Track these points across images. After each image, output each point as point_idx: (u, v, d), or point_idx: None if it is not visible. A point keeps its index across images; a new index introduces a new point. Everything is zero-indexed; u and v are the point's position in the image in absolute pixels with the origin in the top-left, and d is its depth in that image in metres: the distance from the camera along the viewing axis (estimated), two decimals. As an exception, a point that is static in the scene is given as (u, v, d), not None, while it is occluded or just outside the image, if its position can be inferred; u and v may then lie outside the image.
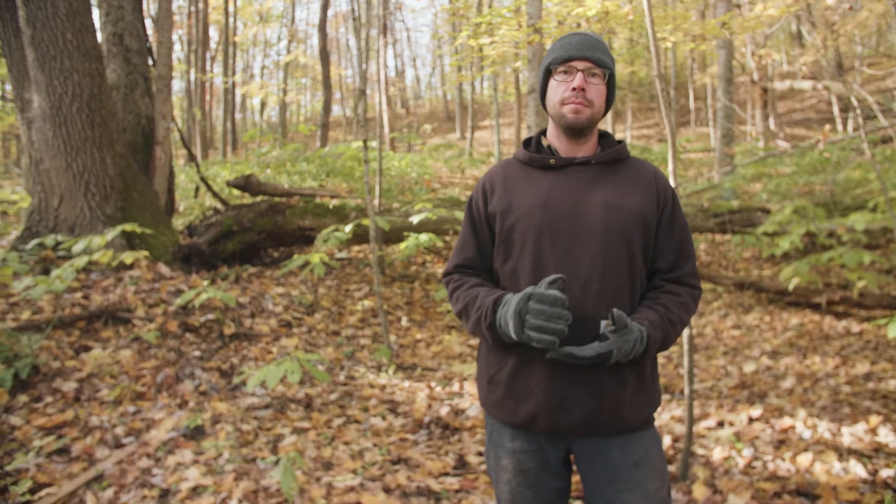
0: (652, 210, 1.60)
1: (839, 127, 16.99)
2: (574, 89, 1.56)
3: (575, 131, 1.60)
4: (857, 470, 2.97)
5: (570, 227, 1.55)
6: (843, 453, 3.17)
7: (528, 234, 1.57)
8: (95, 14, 6.14)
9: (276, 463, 3.19)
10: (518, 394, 1.57)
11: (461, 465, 3.31)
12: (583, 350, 1.42)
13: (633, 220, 1.56)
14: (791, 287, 5.30)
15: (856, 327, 5.46)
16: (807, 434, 3.42)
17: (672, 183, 2.75)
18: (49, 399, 3.65)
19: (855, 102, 4.36)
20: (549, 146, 1.69)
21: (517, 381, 1.58)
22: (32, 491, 2.87)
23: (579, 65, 1.57)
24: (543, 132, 1.74)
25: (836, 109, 17.31)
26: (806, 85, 16.18)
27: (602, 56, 1.59)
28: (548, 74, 1.64)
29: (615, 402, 1.53)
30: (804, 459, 3.10)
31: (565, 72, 1.59)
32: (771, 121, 17.65)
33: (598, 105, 1.59)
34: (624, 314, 1.42)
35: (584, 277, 1.53)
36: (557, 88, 1.60)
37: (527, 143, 1.73)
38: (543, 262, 1.55)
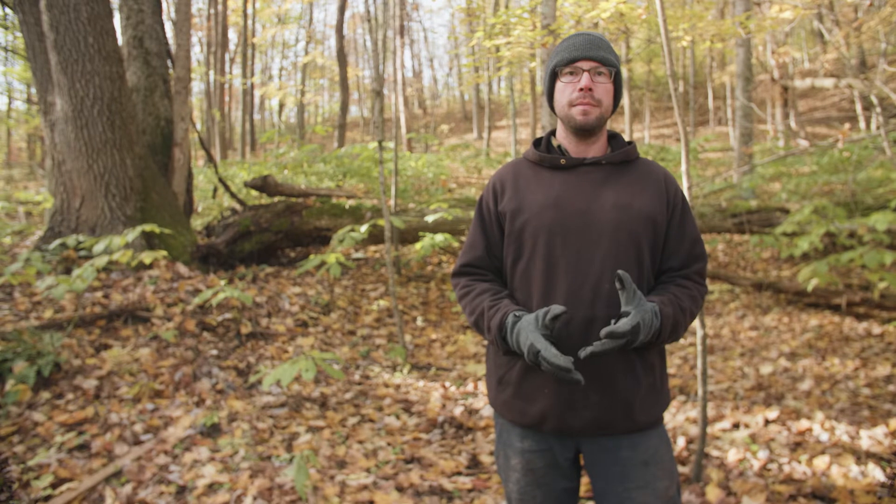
0: (661, 212, 1.60)
1: (862, 125, 16.71)
2: (581, 90, 1.56)
3: (585, 131, 1.61)
4: (876, 473, 2.93)
5: (580, 228, 1.55)
6: (862, 456, 3.13)
7: (539, 234, 1.57)
8: (116, 18, 6.24)
9: (291, 461, 3.22)
10: (528, 394, 1.58)
11: (474, 464, 3.32)
12: (619, 327, 1.39)
13: (643, 221, 1.57)
14: (810, 288, 5.22)
15: (877, 329, 5.37)
16: (824, 437, 3.38)
17: (685, 183, 2.74)
18: (70, 396, 3.72)
19: (875, 100, 4.29)
20: (559, 146, 1.69)
21: (526, 381, 1.58)
22: (54, 485, 2.94)
23: (585, 65, 1.57)
24: (553, 132, 1.74)
25: (858, 107, 17.03)
26: (827, 83, 15.94)
27: (607, 54, 1.59)
28: (554, 76, 1.64)
29: (625, 403, 1.54)
30: (821, 462, 3.06)
31: (571, 73, 1.59)
32: (791, 119, 17.41)
33: (605, 104, 1.59)
34: (628, 277, 1.42)
35: (595, 278, 1.53)
36: (564, 90, 1.60)
37: (537, 142, 1.73)
38: (555, 263, 1.55)
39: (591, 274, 1.53)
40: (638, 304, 1.43)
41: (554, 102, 1.65)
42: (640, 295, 1.45)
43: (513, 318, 1.51)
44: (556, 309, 1.43)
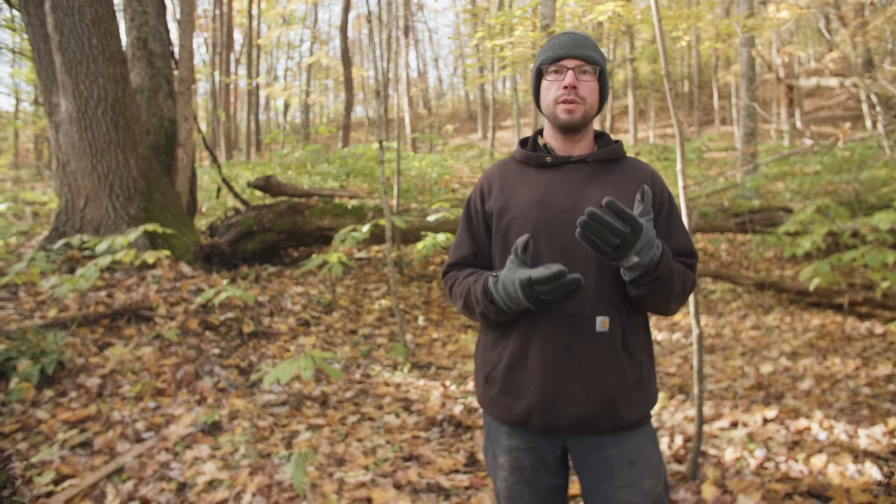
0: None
1: (868, 124, 16.63)
2: (566, 87, 1.57)
3: (570, 130, 1.62)
4: (873, 472, 2.94)
5: (565, 225, 1.56)
6: (859, 455, 3.13)
7: (524, 231, 1.59)
8: (120, 19, 6.29)
9: (290, 458, 3.25)
10: (514, 391, 1.59)
11: (472, 462, 3.34)
12: (625, 208, 1.38)
13: None
14: (812, 287, 5.22)
15: (879, 328, 5.36)
16: (822, 436, 3.38)
17: (680, 182, 2.75)
18: (73, 394, 3.76)
19: (875, 99, 4.29)
20: (545, 145, 1.71)
21: (513, 378, 1.59)
22: (56, 482, 2.97)
23: (569, 63, 1.59)
24: (540, 131, 1.76)
25: (865, 107, 16.96)
26: (833, 82, 15.86)
27: (591, 53, 1.60)
28: (539, 75, 1.66)
29: (611, 401, 1.54)
30: (818, 461, 3.07)
31: (556, 71, 1.61)
32: (797, 118, 17.35)
33: (590, 102, 1.60)
34: (615, 203, 1.38)
35: (580, 275, 1.53)
36: (549, 88, 1.62)
37: (524, 142, 1.75)
38: (540, 260, 1.56)
39: (576, 271, 1.53)
40: (649, 219, 1.46)
41: (540, 101, 1.67)
42: (645, 223, 1.44)
43: (493, 279, 1.54)
44: (522, 239, 1.48)
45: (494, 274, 1.55)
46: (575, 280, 1.40)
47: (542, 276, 1.40)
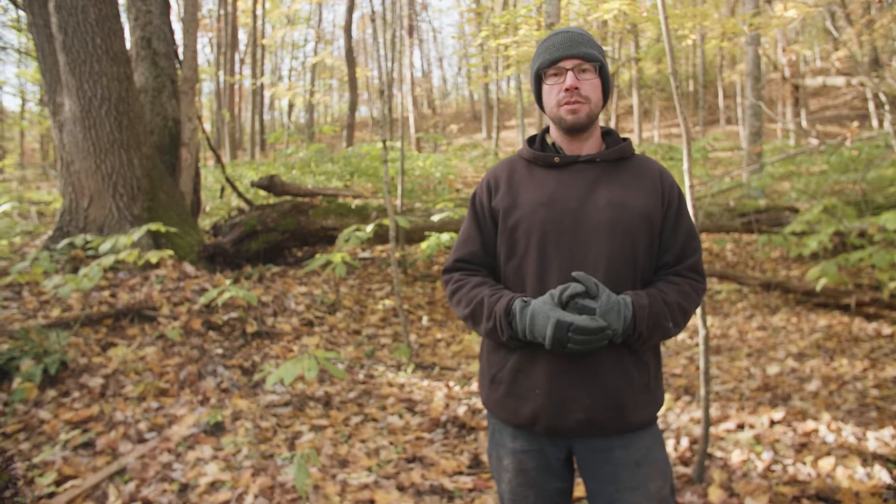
0: (657, 208, 1.58)
1: (875, 123, 16.55)
2: (567, 90, 1.54)
3: (576, 130, 1.59)
4: (882, 475, 2.90)
5: (574, 226, 1.53)
6: (868, 458, 3.10)
7: (532, 232, 1.56)
8: (124, 19, 6.29)
9: (293, 459, 3.23)
10: (519, 393, 1.57)
11: (475, 464, 3.32)
12: (579, 320, 1.39)
13: (638, 218, 1.54)
14: (819, 288, 5.18)
15: (886, 329, 5.32)
16: (830, 438, 3.35)
17: (687, 182, 2.72)
18: (76, 394, 3.75)
19: (882, 98, 4.24)
20: (553, 144, 1.67)
21: (519, 380, 1.57)
22: (58, 483, 2.96)
23: (568, 64, 1.56)
24: (547, 129, 1.72)
25: (871, 106, 16.86)
26: (839, 81, 15.77)
27: (588, 49, 1.56)
28: (539, 79, 1.63)
29: (617, 403, 1.52)
30: (826, 464, 3.03)
31: (555, 74, 1.58)
32: (803, 118, 17.27)
33: (594, 99, 1.57)
34: (584, 274, 1.44)
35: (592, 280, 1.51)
36: (551, 91, 1.59)
37: (531, 140, 1.72)
38: (547, 261, 1.54)
39: (582, 273, 1.49)
40: (603, 300, 1.44)
41: (543, 105, 1.64)
42: (604, 289, 1.45)
43: (521, 303, 1.48)
44: (577, 288, 1.43)
45: (525, 299, 1.50)
46: (609, 335, 1.42)
47: (586, 326, 1.38)
